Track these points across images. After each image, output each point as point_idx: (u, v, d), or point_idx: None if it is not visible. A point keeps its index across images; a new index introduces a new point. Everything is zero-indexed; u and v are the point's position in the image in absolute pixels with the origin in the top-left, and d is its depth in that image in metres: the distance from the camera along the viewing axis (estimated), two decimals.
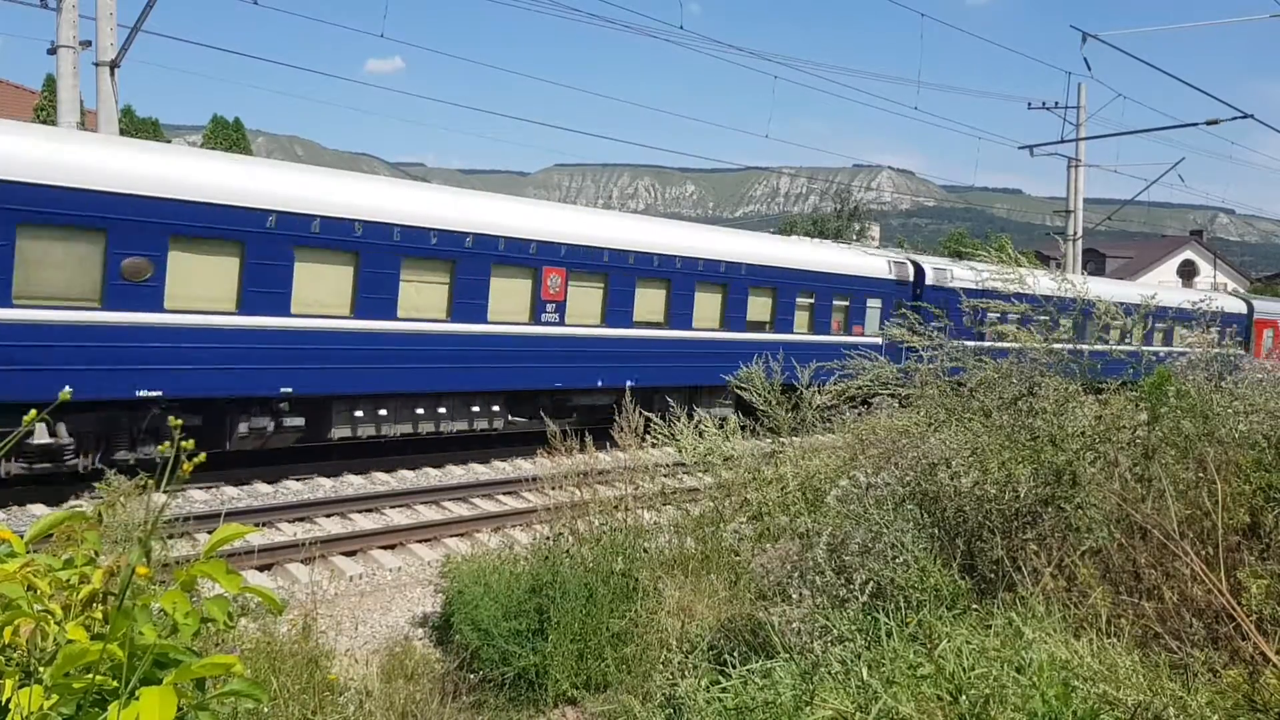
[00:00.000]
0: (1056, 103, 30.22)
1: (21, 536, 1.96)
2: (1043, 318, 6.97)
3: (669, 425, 8.30)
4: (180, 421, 2.12)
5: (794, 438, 7.96)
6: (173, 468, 1.90)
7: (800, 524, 6.09)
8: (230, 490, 13.34)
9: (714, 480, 8.02)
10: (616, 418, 8.39)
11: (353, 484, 14.33)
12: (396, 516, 12.83)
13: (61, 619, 1.81)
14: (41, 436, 11.50)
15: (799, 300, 20.51)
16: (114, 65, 16.10)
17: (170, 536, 7.31)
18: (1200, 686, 3.70)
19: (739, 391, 8.48)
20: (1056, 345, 6.28)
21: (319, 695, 5.48)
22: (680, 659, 5.47)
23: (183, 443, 1.95)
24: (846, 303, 21.57)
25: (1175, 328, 22.65)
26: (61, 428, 11.68)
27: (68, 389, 2.41)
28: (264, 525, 11.68)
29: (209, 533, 1.96)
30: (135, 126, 37.16)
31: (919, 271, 23.18)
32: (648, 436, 8.54)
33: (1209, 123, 25.37)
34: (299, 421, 13.88)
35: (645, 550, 7.50)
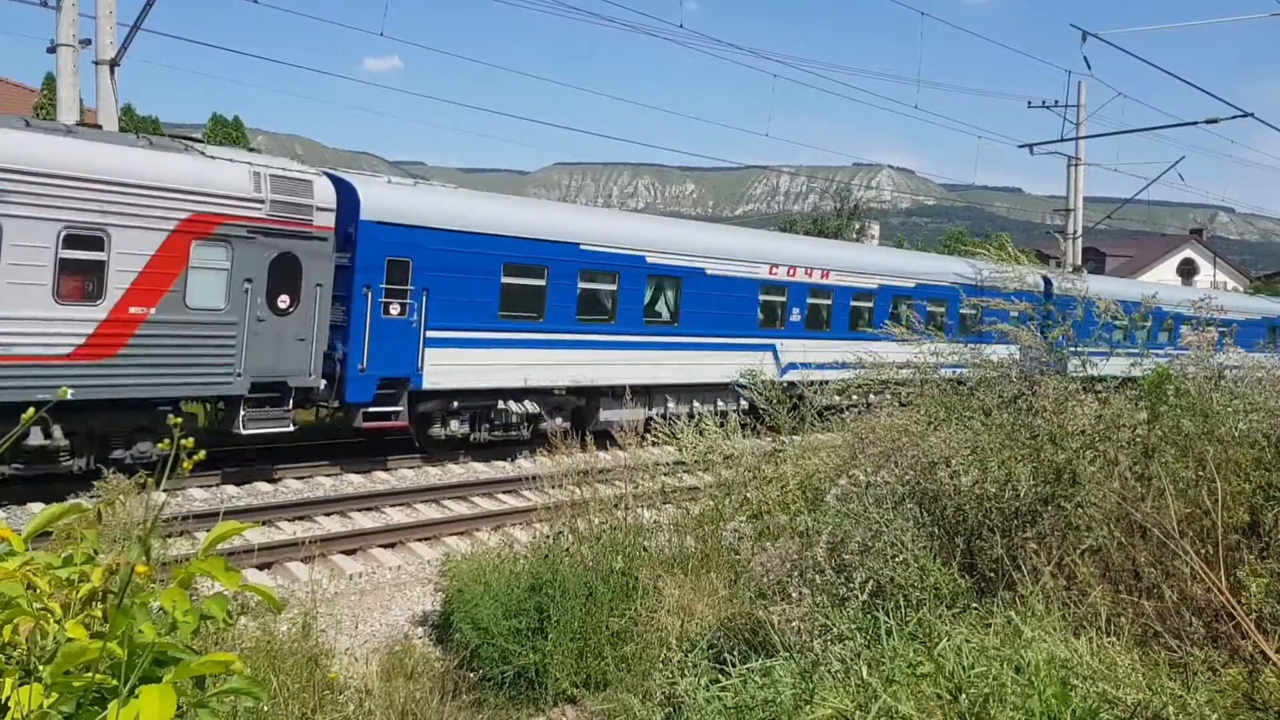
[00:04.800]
0: (1056, 101, 30.15)
1: (20, 535, 1.96)
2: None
3: (669, 424, 8.33)
4: (180, 420, 2.13)
5: (794, 436, 7.97)
6: (173, 464, 1.90)
7: (800, 523, 6.08)
8: (230, 489, 13.33)
9: (714, 479, 8.02)
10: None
11: (352, 483, 14.33)
12: (396, 515, 12.83)
13: (61, 617, 1.81)
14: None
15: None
16: (114, 63, 16.08)
17: (169, 535, 7.31)
18: (1200, 685, 3.70)
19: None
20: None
21: (319, 694, 5.48)
22: (680, 658, 5.46)
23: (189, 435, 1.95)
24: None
25: None
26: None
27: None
28: (264, 524, 11.68)
29: (209, 531, 1.96)
30: (135, 125, 37.07)
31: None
32: (647, 435, 8.56)
33: (1209, 121, 25.34)
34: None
35: (645, 549, 7.50)
